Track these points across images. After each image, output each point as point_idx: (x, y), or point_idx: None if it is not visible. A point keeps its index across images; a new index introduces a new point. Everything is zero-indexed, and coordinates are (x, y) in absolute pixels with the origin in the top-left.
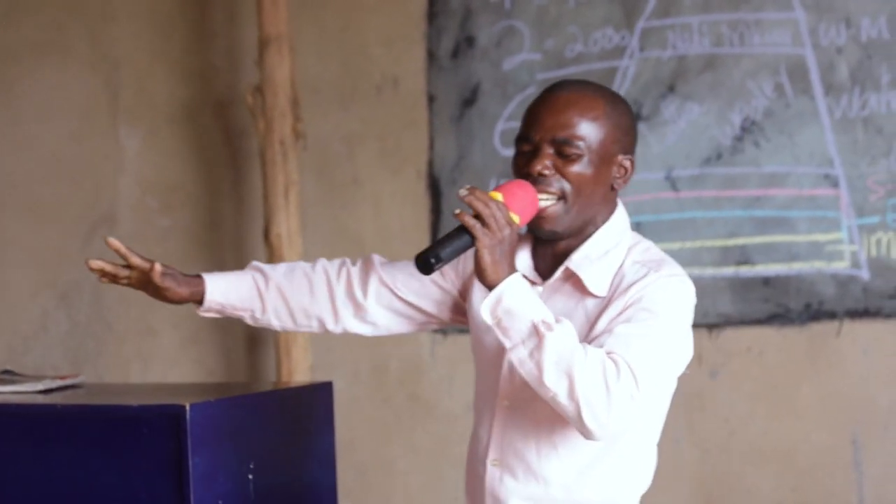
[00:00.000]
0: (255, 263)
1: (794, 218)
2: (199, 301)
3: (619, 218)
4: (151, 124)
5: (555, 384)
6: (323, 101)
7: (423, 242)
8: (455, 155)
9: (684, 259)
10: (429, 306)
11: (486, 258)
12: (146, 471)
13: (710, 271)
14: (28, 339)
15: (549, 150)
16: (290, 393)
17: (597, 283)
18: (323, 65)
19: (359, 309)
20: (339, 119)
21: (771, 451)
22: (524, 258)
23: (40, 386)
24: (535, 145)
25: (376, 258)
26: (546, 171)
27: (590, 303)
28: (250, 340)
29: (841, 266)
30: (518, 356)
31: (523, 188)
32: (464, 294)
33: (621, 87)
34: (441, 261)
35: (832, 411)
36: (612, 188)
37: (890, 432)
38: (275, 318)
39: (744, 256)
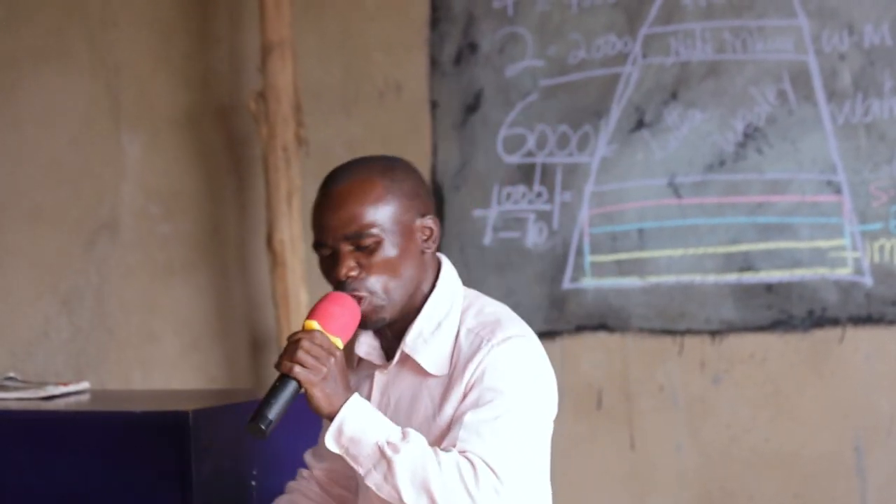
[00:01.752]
0: None
1: (796, 224)
2: None
3: (446, 280)
4: (153, 130)
5: (415, 502)
6: (325, 107)
7: None
8: (458, 161)
9: (687, 266)
10: None
11: (318, 395)
12: (149, 477)
13: (712, 278)
14: (30, 346)
15: (348, 248)
16: None
17: (434, 363)
18: (325, 71)
19: (338, 501)
20: (342, 125)
21: (773, 458)
22: (367, 339)
23: (43, 392)
24: (331, 248)
25: (308, 455)
26: (353, 273)
27: (432, 383)
28: (252, 347)
29: (844, 272)
30: (374, 482)
31: (338, 302)
32: None
33: (624, 93)
34: (271, 422)
35: (835, 417)
36: (423, 253)
37: (893, 438)
38: None
39: (746, 263)
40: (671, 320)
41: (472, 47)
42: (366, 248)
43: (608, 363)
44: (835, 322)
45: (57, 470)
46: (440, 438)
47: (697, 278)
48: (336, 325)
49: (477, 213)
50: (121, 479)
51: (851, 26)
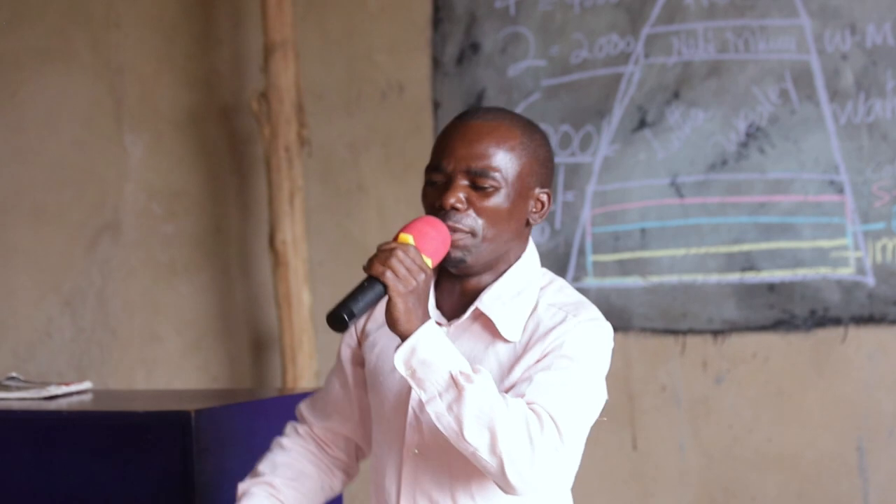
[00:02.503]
0: (255, 479)
1: (799, 224)
2: None
3: (531, 255)
4: (156, 131)
5: (476, 439)
6: (328, 107)
7: None
8: None
9: (689, 266)
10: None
11: (400, 307)
12: (152, 477)
13: (714, 277)
14: (33, 346)
15: (463, 182)
16: (296, 399)
17: (510, 327)
18: (328, 71)
19: (337, 463)
20: (344, 125)
21: (776, 458)
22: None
23: (45, 392)
24: (447, 176)
25: (305, 409)
26: (459, 205)
27: (501, 348)
28: (255, 347)
29: (846, 272)
30: (435, 409)
31: (435, 226)
32: (360, 340)
33: (626, 93)
34: (354, 316)
35: (837, 417)
36: (528, 223)
37: (895, 438)
38: None
39: (749, 263)
40: (673, 320)
41: (475, 47)
42: (482, 188)
43: (610, 363)
44: (837, 322)
45: (59, 470)
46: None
47: (700, 278)
48: (430, 247)
49: None
50: (123, 479)
51: (854, 26)
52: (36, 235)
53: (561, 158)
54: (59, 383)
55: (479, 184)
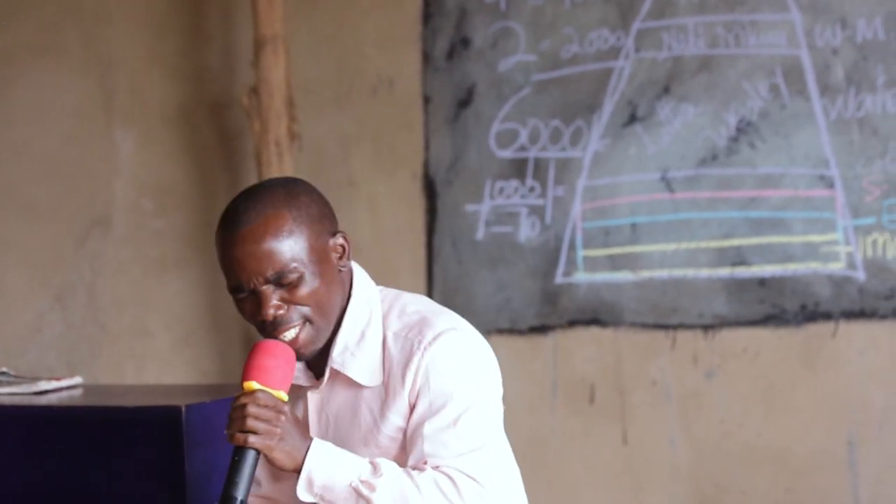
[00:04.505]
0: None
1: (789, 219)
2: None
3: (360, 286)
4: (146, 126)
5: None
6: (318, 102)
7: (418, 243)
8: (450, 156)
9: (679, 260)
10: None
11: (278, 456)
12: (142, 472)
13: (705, 272)
14: (23, 341)
15: (270, 288)
16: None
17: (366, 374)
18: (318, 66)
19: None
20: (335, 120)
21: (766, 452)
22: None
23: (35, 388)
24: (251, 291)
25: None
26: (280, 311)
27: (367, 394)
28: (244, 342)
29: (836, 267)
30: None
31: (273, 354)
32: None
33: (617, 88)
34: (243, 499)
35: (828, 412)
36: (339, 271)
37: (885, 433)
38: None
39: (739, 257)
40: (664, 315)
41: (465, 42)
42: (288, 284)
43: (601, 358)
44: (827, 316)
45: (49, 465)
46: (389, 447)
47: (690, 273)
48: (275, 378)
49: (469, 207)
50: (113, 475)
51: (844, 21)
52: (26, 230)
53: (551, 153)
54: (50, 378)
55: (283, 283)
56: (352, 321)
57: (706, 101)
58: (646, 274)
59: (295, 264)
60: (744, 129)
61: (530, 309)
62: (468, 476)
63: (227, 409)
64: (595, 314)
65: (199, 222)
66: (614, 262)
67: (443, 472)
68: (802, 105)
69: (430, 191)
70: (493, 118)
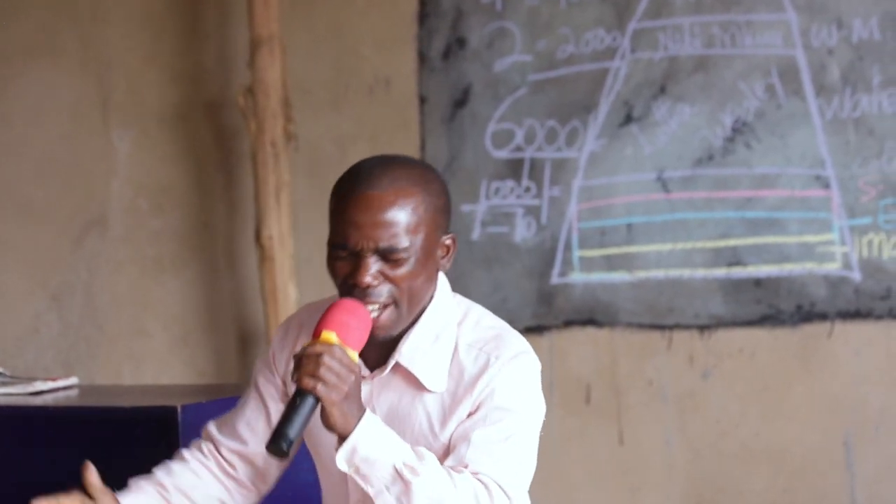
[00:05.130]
0: (148, 477)
1: (785, 219)
2: None
3: (442, 290)
4: (143, 126)
5: None
6: (314, 102)
7: None
8: (446, 156)
9: (675, 261)
10: None
11: (336, 414)
12: (138, 472)
13: (701, 272)
14: (20, 341)
15: (373, 258)
16: None
17: (433, 378)
18: (314, 66)
19: (238, 481)
20: (331, 120)
21: (763, 452)
22: None
23: (31, 388)
24: (355, 253)
25: (213, 429)
26: (375, 282)
27: (428, 399)
28: (241, 342)
29: (832, 267)
30: (384, 501)
31: (355, 314)
32: (286, 382)
33: (612, 88)
34: (293, 442)
35: (824, 412)
36: (437, 270)
37: (881, 433)
38: None
39: (735, 258)
40: (660, 315)
41: (461, 42)
42: (393, 260)
43: (597, 358)
44: (823, 317)
45: (45, 466)
46: (442, 456)
47: (686, 273)
48: (353, 338)
49: (465, 207)
50: (109, 475)
51: (840, 21)
52: (23, 231)
53: (547, 153)
54: (46, 379)
55: (389, 257)
56: (429, 321)
57: (702, 101)
58: (642, 274)
59: (407, 244)
60: (740, 129)
61: (526, 309)
62: (503, 491)
63: (224, 410)
64: (591, 314)
65: (196, 222)
66: (610, 263)
67: (480, 480)
68: (798, 105)
69: None
70: (489, 118)
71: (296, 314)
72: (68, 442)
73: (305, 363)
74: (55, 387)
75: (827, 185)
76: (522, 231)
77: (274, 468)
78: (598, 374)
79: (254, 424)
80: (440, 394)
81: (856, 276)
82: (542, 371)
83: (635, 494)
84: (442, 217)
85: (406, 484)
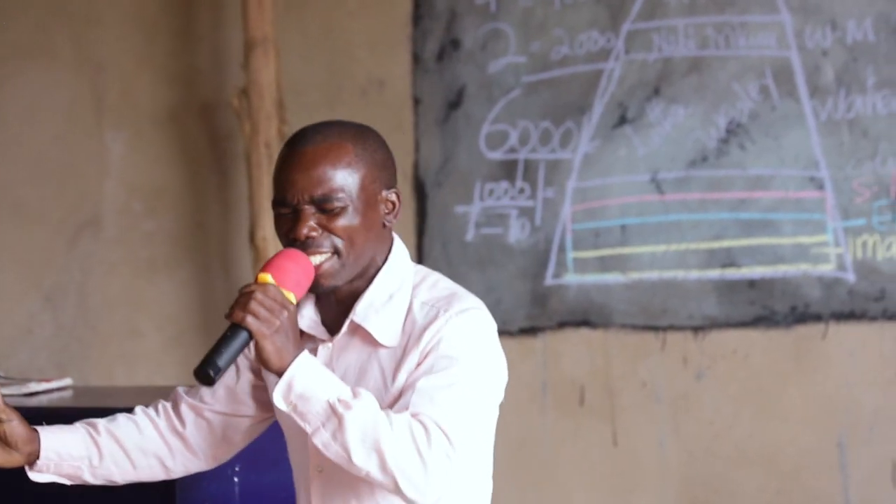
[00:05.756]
0: (84, 420)
1: (779, 220)
2: (33, 459)
3: (398, 254)
4: (136, 127)
5: (365, 462)
6: (308, 103)
7: (408, 245)
8: (440, 157)
9: (669, 262)
10: (247, 407)
11: (268, 348)
12: None
13: (695, 274)
14: (13, 342)
15: (311, 210)
16: None
17: (386, 333)
18: (308, 67)
19: (185, 441)
20: None
21: (756, 454)
22: (308, 313)
23: (26, 389)
24: (293, 208)
25: (181, 389)
26: (313, 234)
27: (383, 354)
28: None
29: (826, 268)
30: (321, 440)
31: (294, 259)
32: (257, 371)
33: (607, 89)
34: (220, 370)
35: (818, 413)
36: (384, 226)
37: (875, 434)
38: (113, 464)
39: (729, 259)
40: (654, 316)
41: (455, 43)
42: (329, 211)
43: (590, 359)
44: (817, 318)
45: None
46: (392, 407)
47: (680, 274)
48: (290, 281)
49: (459, 209)
50: None
51: (834, 22)
52: (17, 232)
53: (541, 154)
54: (40, 380)
55: (325, 208)
56: (382, 282)
57: (696, 102)
58: (636, 275)
59: (342, 195)
60: (734, 130)
61: (520, 310)
62: (443, 431)
63: None
64: (585, 316)
65: (190, 223)
66: (604, 264)
67: (419, 420)
68: (792, 106)
69: (420, 192)
70: (482, 120)
71: None
72: None
73: (239, 299)
74: (49, 388)
75: (821, 187)
76: (516, 232)
77: (228, 441)
78: (591, 375)
79: (217, 388)
80: (393, 348)
81: (850, 277)
82: (535, 372)
83: (629, 496)
84: (381, 171)
85: (339, 418)
